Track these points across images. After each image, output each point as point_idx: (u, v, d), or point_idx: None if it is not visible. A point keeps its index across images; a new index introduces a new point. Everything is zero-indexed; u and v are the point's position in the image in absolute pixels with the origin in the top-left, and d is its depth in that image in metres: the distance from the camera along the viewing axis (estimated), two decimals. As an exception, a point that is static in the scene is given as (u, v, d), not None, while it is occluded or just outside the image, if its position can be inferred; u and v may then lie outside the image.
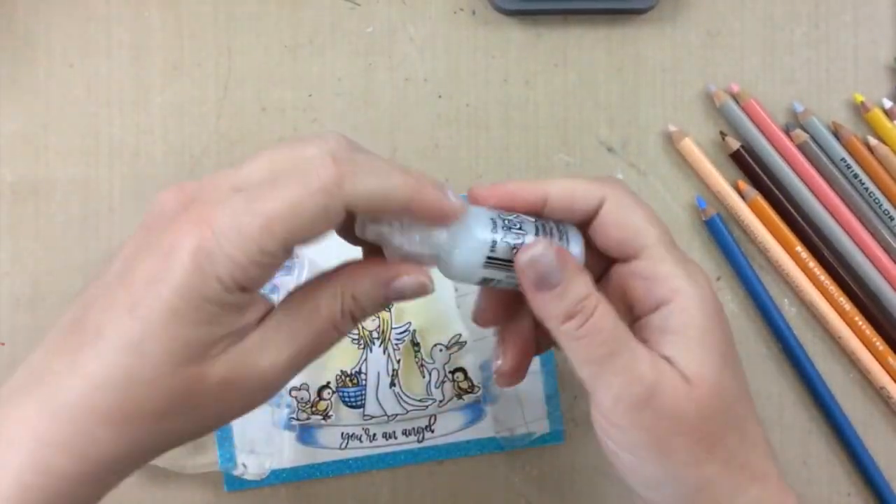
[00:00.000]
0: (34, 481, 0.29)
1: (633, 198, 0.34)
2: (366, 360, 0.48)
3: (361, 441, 0.49)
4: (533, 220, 0.33)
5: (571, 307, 0.32)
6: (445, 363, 0.48)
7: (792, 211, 0.49)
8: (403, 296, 0.32)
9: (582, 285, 0.32)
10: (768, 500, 0.33)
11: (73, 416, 0.29)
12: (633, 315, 0.35)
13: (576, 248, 0.34)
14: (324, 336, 0.32)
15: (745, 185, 0.49)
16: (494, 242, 0.32)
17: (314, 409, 0.48)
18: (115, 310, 0.30)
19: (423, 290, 0.33)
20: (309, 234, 0.30)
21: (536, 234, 0.33)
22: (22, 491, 0.29)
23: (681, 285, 0.33)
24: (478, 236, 0.32)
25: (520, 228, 0.33)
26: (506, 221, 0.33)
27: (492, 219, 0.32)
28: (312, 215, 0.29)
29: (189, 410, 0.30)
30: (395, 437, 0.49)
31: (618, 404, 0.32)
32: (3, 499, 0.29)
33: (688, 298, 0.33)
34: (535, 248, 0.32)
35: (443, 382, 0.49)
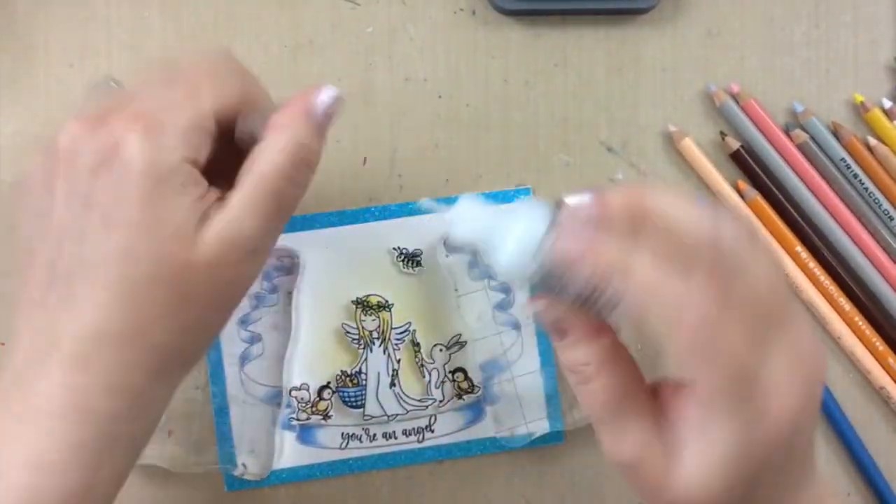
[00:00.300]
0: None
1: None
2: (366, 360, 0.48)
3: (361, 441, 0.49)
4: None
5: (572, 365, 0.33)
6: (445, 363, 0.48)
7: (792, 211, 0.49)
8: (329, 112, 0.35)
9: (581, 354, 0.33)
10: None
11: (101, 353, 0.32)
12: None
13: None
14: (286, 193, 0.34)
15: (744, 185, 0.49)
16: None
17: (314, 409, 0.48)
18: (89, 239, 0.32)
19: (338, 101, 0.35)
20: (228, 98, 0.34)
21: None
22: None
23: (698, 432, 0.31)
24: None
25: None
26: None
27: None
28: (228, 77, 0.35)
29: (195, 292, 0.33)
30: (395, 437, 0.49)
31: (609, 456, 0.33)
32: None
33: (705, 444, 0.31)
34: (537, 302, 0.33)
35: (443, 382, 0.49)
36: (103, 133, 0.33)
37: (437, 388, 0.49)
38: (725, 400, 0.30)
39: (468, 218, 0.32)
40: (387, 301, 0.49)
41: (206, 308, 0.34)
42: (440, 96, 0.50)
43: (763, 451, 0.30)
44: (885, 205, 0.49)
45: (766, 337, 0.30)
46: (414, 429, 0.49)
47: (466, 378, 0.49)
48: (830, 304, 0.49)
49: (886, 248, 0.49)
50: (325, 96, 0.35)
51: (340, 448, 0.48)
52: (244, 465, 0.48)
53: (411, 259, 0.49)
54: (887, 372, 0.49)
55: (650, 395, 0.34)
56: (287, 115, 0.35)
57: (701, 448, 0.31)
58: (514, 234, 0.31)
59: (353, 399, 0.48)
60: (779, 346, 0.30)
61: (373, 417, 0.48)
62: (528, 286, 0.31)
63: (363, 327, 0.49)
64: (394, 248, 0.49)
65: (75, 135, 0.33)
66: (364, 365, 0.48)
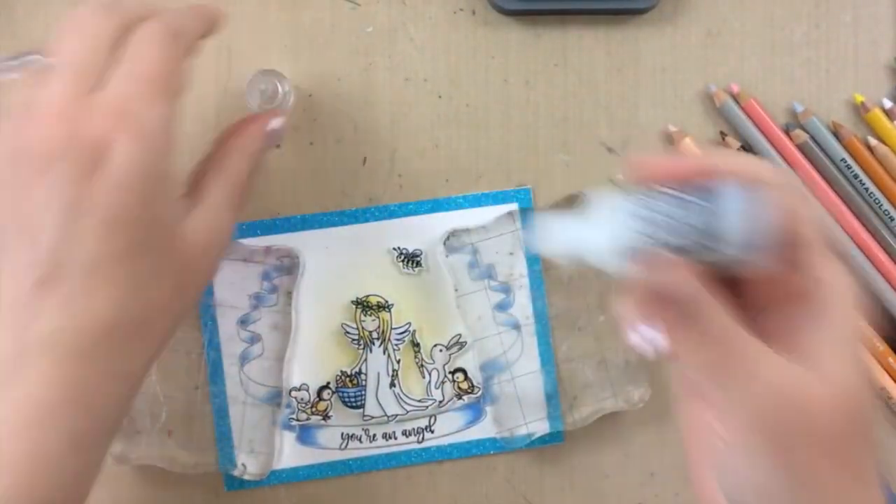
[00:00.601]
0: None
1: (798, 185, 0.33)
2: (365, 360, 0.48)
3: (361, 441, 0.49)
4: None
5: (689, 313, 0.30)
6: (445, 363, 0.48)
7: (792, 211, 0.49)
8: (278, 136, 0.42)
9: (702, 297, 0.29)
10: None
11: (110, 345, 0.34)
12: (757, 305, 0.32)
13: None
14: (246, 193, 0.40)
15: (745, 186, 0.49)
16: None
17: (314, 409, 0.48)
18: (86, 241, 0.33)
19: (284, 129, 0.42)
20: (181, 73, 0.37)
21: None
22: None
23: (830, 276, 0.30)
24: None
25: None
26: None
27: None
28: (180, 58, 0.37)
29: (189, 281, 0.37)
30: (395, 438, 0.49)
31: (739, 413, 0.29)
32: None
33: (837, 293, 0.30)
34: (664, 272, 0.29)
35: (443, 383, 0.49)
36: (86, 135, 0.33)
37: (437, 388, 0.49)
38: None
39: (552, 233, 0.32)
40: (387, 301, 0.48)
41: (196, 295, 0.39)
42: (440, 96, 0.50)
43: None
44: (885, 205, 0.49)
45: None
46: (414, 429, 0.49)
47: (466, 378, 0.49)
48: (830, 304, 0.49)
49: (886, 248, 0.49)
50: (276, 124, 0.42)
51: (340, 448, 0.48)
52: (244, 465, 0.48)
53: (411, 259, 0.49)
54: (887, 372, 0.49)
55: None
56: (247, 134, 0.41)
57: (835, 340, 0.30)
58: (603, 230, 0.30)
59: (352, 399, 0.48)
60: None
61: (373, 418, 0.48)
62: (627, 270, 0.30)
63: (363, 327, 0.48)
64: (394, 248, 0.49)
65: (50, 135, 0.33)
66: (364, 365, 0.48)
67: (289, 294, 0.48)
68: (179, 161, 0.49)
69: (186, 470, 0.47)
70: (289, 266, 0.48)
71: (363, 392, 0.48)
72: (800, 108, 0.49)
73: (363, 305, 0.48)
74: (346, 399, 0.48)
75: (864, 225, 0.49)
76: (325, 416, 0.48)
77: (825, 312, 0.30)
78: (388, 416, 0.48)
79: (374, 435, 0.49)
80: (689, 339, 0.29)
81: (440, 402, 0.48)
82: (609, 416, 0.48)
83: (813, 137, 0.49)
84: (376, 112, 0.49)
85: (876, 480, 0.29)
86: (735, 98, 0.49)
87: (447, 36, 0.50)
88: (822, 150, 0.49)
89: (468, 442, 0.49)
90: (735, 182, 0.29)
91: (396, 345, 0.48)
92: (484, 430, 0.49)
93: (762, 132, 0.49)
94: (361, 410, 0.48)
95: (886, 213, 0.49)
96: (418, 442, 0.49)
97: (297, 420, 0.48)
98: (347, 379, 0.48)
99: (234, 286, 0.48)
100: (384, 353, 0.48)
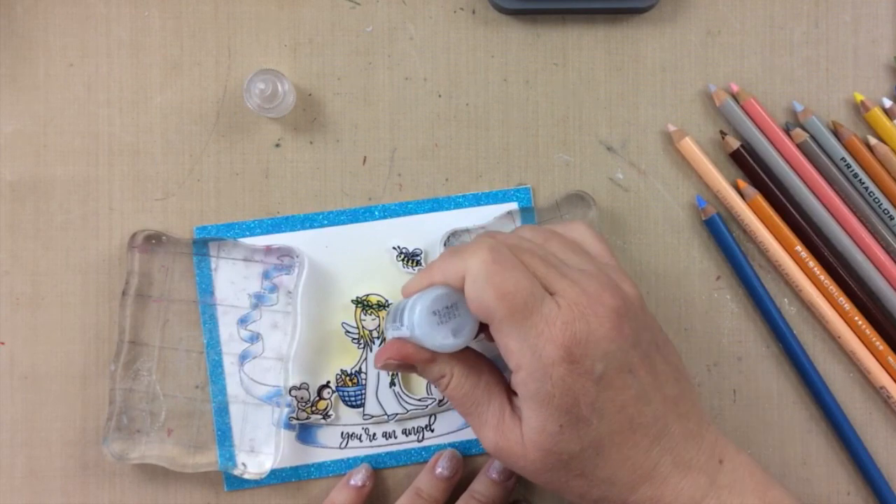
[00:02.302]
0: None
1: (489, 269, 0.38)
2: (366, 359, 0.48)
3: (361, 440, 0.49)
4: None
5: (432, 382, 0.42)
6: (445, 363, 0.48)
7: (792, 210, 0.49)
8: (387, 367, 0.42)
9: (433, 371, 0.41)
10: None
11: None
12: None
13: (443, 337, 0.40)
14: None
15: (744, 185, 0.49)
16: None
17: (314, 408, 0.48)
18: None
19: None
20: None
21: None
22: None
23: (520, 361, 0.38)
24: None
25: (400, 322, 0.41)
26: (399, 314, 0.41)
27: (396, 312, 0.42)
28: None
29: None
30: (395, 437, 0.49)
31: (482, 442, 0.41)
32: None
33: (526, 374, 0.38)
34: (379, 359, 0.41)
35: (443, 382, 0.49)
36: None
37: (436, 387, 0.49)
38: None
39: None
40: (387, 300, 0.49)
41: None
42: (440, 96, 0.50)
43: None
44: (885, 204, 0.49)
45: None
46: (414, 428, 0.49)
47: (466, 377, 0.49)
48: (830, 303, 0.49)
49: (886, 248, 0.49)
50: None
51: (340, 448, 0.48)
52: (244, 464, 0.48)
53: (411, 258, 0.49)
54: (887, 371, 0.49)
55: (506, 387, 0.41)
56: None
57: (529, 413, 0.38)
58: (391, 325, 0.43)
59: (352, 398, 0.48)
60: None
61: (372, 417, 0.48)
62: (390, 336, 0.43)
63: (363, 326, 0.48)
64: (394, 248, 0.49)
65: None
66: (364, 364, 0.48)
67: (289, 293, 0.48)
68: (179, 161, 0.49)
69: (186, 469, 0.47)
70: (289, 266, 0.48)
71: (363, 391, 0.48)
72: (799, 108, 0.49)
73: (363, 304, 0.48)
74: (347, 398, 0.48)
75: (864, 224, 0.49)
76: (326, 416, 0.48)
77: (524, 390, 0.38)
78: (388, 415, 0.48)
79: (374, 434, 0.49)
80: (445, 396, 0.42)
81: (440, 401, 0.48)
82: (609, 416, 0.48)
83: (813, 137, 0.49)
84: (376, 112, 0.49)
85: (591, 492, 0.40)
86: (735, 97, 0.49)
87: (447, 35, 0.50)
88: (822, 149, 0.49)
89: (468, 441, 0.49)
90: (436, 291, 0.40)
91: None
92: (484, 429, 0.49)
93: (762, 131, 0.49)
94: (361, 409, 0.48)
95: (886, 212, 0.49)
96: (418, 441, 0.49)
97: (297, 419, 0.48)
98: (347, 378, 0.48)
99: (234, 285, 0.48)
100: (384, 352, 0.48)
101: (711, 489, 0.39)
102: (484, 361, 0.42)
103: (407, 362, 0.41)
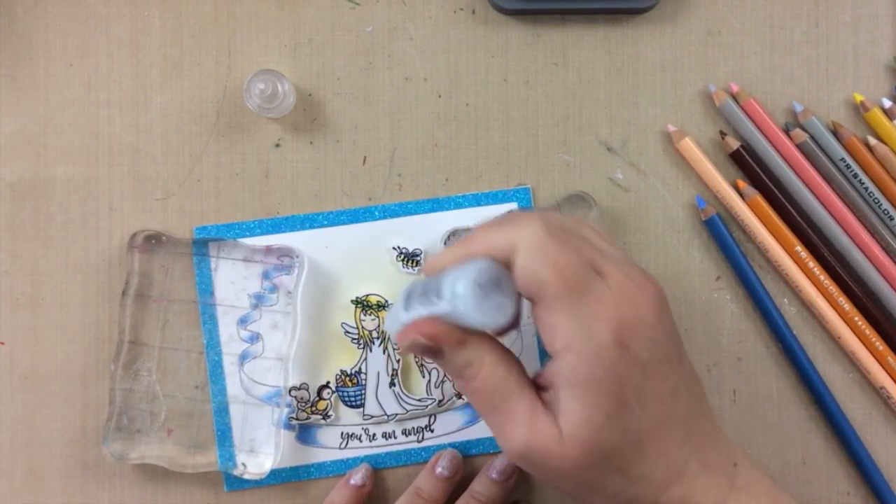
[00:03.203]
0: None
1: (544, 241, 0.35)
2: (365, 359, 0.48)
3: (361, 441, 0.49)
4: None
5: (456, 372, 0.37)
6: (445, 363, 0.48)
7: (791, 210, 0.49)
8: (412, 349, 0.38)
9: (461, 357, 0.37)
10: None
11: None
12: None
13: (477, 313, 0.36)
14: None
15: (744, 185, 0.49)
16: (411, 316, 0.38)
17: (314, 408, 0.48)
18: None
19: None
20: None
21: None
22: None
23: (570, 341, 0.35)
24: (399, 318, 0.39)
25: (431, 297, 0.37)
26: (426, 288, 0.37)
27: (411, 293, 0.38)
28: None
29: None
30: (395, 437, 0.49)
31: (504, 449, 0.37)
32: None
33: (575, 356, 0.35)
34: (406, 337, 0.37)
35: (442, 382, 0.49)
36: None
37: (436, 387, 0.49)
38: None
39: (389, 319, 0.43)
40: (387, 301, 0.49)
41: None
42: (440, 96, 0.50)
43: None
44: (885, 204, 0.49)
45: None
46: (413, 428, 0.49)
47: (466, 378, 0.49)
48: (830, 303, 0.49)
49: (886, 248, 0.49)
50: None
51: (340, 448, 0.49)
52: (244, 465, 0.48)
53: (411, 259, 0.49)
54: (887, 371, 0.49)
55: (531, 384, 0.38)
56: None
57: (573, 403, 0.35)
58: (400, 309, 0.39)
59: (352, 399, 0.48)
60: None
61: (372, 417, 0.48)
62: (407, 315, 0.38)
63: (363, 327, 0.49)
64: (394, 248, 0.49)
65: None
66: (364, 364, 0.49)
67: (289, 294, 0.48)
68: (179, 161, 0.49)
69: (186, 469, 0.47)
70: (289, 266, 0.48)
71: (363, 391, 0.48)
72: (799, 108, 0.49)
73: (363, 305, 0.48)
74: (346, 398, 0.48)
75: (863, 225, 0.49)
76: (325, 416, 0.48)
77: (568, 377, 0.35)
78: (388, 416, 0.48)
79: (374, 434, 0.49)
80: (461, 387, 0.38)
81: (440, 401, 0.48)
82: (609, 416, 0.48)
83: (812, 137, 0.49)
84: (376, 112, 0.49)
85: (626, 490, 0.37)
86: (735, 97, 0.49)
87: (447, 35, 0.50)
88: (822, 149, 0.49)
89: (468, 441, 0.49)
90: (481, 262, 0.36)
91: (396, 344, 0.48)
92: (483, 429, 0.49)
93: (762, 132, 0.49)
94: (361, 410, 0.48)
95: (886, 212, 0.49)
96: (418, 441, 0.49)
97: (297, 419, 0.48)
98: (347, 378, 0.48)
99: (234, 286, 0.48)
100: (384, 352, 0.49)
101: (731, 491, 0.38)
102: (510, 352, 0.39)
103: (437, 343, 0.37)
